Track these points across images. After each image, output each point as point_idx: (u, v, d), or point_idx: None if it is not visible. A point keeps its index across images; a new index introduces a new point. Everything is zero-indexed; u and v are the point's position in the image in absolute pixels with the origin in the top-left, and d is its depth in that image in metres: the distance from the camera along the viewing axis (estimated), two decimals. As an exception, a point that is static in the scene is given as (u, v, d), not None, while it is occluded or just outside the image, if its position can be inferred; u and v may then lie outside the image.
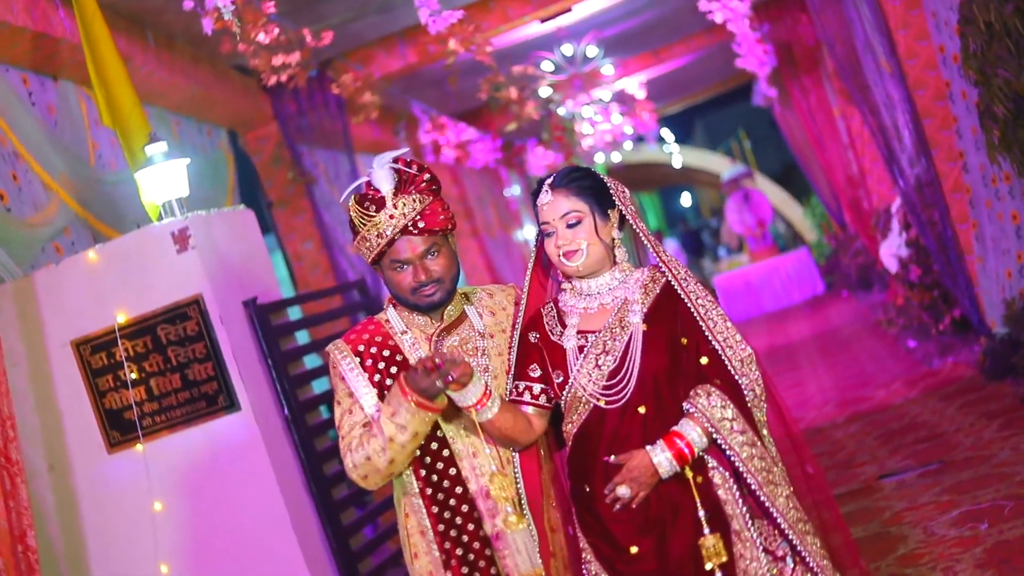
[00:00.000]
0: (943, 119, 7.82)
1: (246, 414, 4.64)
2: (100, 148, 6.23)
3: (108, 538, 4.76)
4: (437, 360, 2.82)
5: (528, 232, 16.17)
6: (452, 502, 3.05)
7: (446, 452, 3.06)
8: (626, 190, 3.05)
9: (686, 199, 32.88)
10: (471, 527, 3.05)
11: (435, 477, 3.06)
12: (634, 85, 13.11)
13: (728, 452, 2.87)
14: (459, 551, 3.04)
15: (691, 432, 2.86)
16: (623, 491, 2.87)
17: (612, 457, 2.90)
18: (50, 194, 5.52)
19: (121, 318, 4.65)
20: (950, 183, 7.85)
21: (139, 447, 4.69)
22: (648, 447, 2.87)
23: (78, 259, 4.75)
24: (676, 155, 21.58)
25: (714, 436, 2.87)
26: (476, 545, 3.05)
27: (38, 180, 5.47)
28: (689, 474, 2.89)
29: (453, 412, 3.03)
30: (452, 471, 3.06)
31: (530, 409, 3.01)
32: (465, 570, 3.04)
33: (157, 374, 4.66)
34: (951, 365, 8.41)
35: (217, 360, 4.61)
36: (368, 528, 5.60)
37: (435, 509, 3.05)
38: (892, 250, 10.12)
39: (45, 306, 4.76)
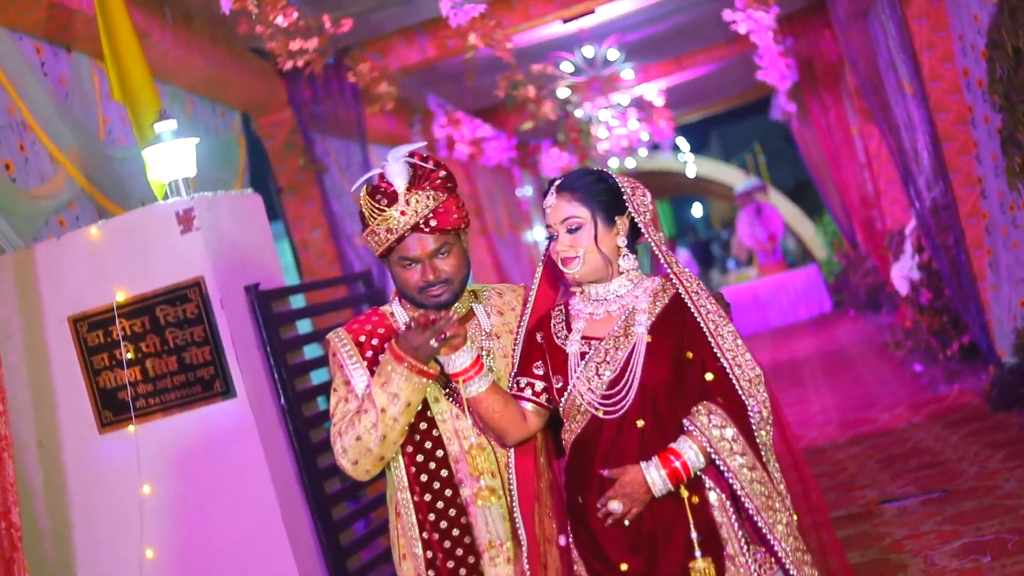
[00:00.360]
0: (964, 143, 7.76)
1: (241, 401, 4.56)
2: (111, 123, 6.16)
3: (94, 519, 4.69)
4: (431, 316, 2.77)
5: (538, 233, 16.11)
6: (440, 504, 2.98)
7: (440, 453, 2.99)
8: (646, 195, 2.95)
9: (697, 209, 32.79)
10: (455, 532, 2.97)
11: (425, 477, 2.98)
12: (653, 92, 13.02)
13: (726, 474, 2.77)
14: (440, 554, 2.96)
15: (688, 451, 2.77)
16: (615, 506, 2.78)
17: (606, 471, 2.81)
18: (57, 167, 5.44)
19: (120, 296, 4.57)
20: (967, 208, 7.78)
21: (131, 428, 4.61)
22: (642, 463, 2.78)
23: (80, 234, 4.67)
24: (690, 164, 21.48)
25: (712, 456, 2.77)
26: (459, 552, 2.97)
27: (45, 152, 5.40)
28: (684, 493, 2.80)
29: (451, 416, 2.96)
30: (444, 473, 2.98)
31: (529, 406, 2.92)
32: (451, 564, 2.95)
33: (153, 355, 4.58)
34: (957, 392, 8.34)
35: (215, 345, 4.53)
36: (360, 523, 5.52)
37: (424, 507, 2.97)
38: (903, 272, 10.04)
39: (44, 280, 4.68)
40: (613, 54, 10.94)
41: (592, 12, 9.27)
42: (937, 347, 9.21)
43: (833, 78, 13.06)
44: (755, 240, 18.02)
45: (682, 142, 20.04)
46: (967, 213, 7.78)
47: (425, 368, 2.85)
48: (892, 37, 8.20)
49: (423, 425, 2.98)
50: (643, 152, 15.49)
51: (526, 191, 16.29)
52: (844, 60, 12.06)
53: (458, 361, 2.84)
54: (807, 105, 13.78)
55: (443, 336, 2.78)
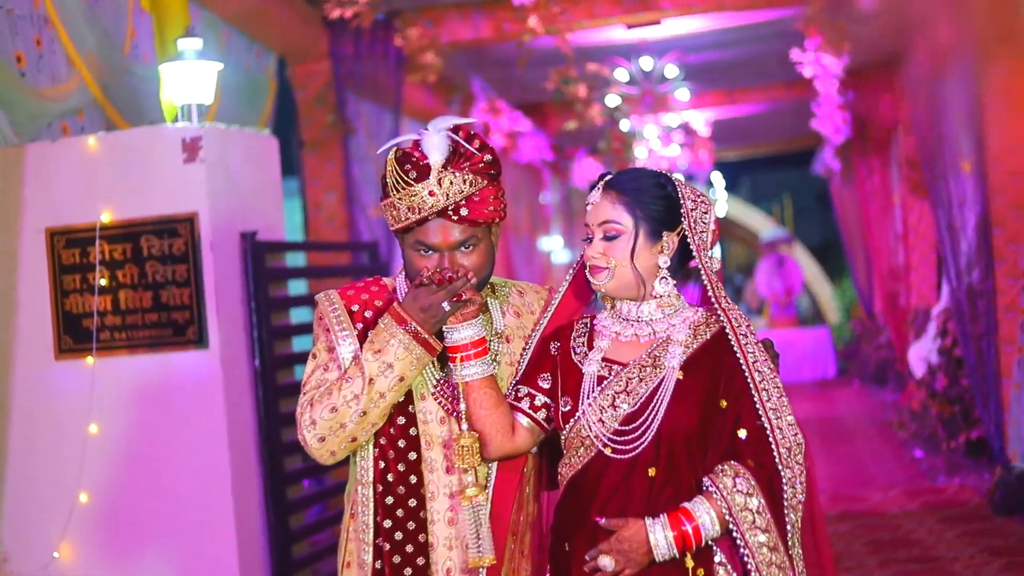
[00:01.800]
0: (1015, 231, 7.41)
1: (213, 354, 4.21)
2: (138, 37, 5.80)
3: (33, 449, 4.36)
4: (447, 273, 2.44)
5: (553, 243, 15.73)
6: (400, 512, 2.60)
7: (413, 456, 2.61)
8: (709, 213, 2.53)
9: (714, 250, 32.44)
10: (409, 549, 2.59)
11: (391, 477, 2.60)
12: (700, 120, 12.68)
13: (742, 550, 2.37)
14: (388, 569, 2.59)
15: (703, 515, 2.37)
16: (606, 563, 2.37)
17: (604, 520, 2.42)
18: (71, 70, 5.11)
19: (106, 217, 4.24)
20: (1006, 300, 7.43)
21: (90, 360, 4.27)
22: (648, 519, 2.38)
23: (76, 142, 4.33)
24: (722, 203, 21.09)
25: (730, 526, 2.37)
26: (407, 572, 2.59)
27: (63, 52, 5.07)
28: (690, 564, 2.40)
29: (434, 418, 2.58)
30: (412, 479, 2.61)
31: (524, 420, 2.53)
32: None
33: (128, 287, 4.23)
34: (957, 486, 8.00)
35: (197, 288, 4.18)
36: (315, 509, 5.17)
37: (383, 510, 2.60)
38: (922, 353, 9.71)
39: (29, 184, 4.36)
40: (671, 71, 10.59)
41: (658, 23, 8.93)
42: (943, 436, 8.87)
43: (884, 143, 12.75)
44: (771, 291, 17.70)
45: (717, 178, 19.67)
46: (1005, 305, 7.44)
47: (429, 338, 2.49)
48: (962, 109, 7.86)
49: (401, 420, 2.61)
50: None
51: (551, 196, 15.94)
52: (899, 127, 11.75)
53: (464, 332, 2.48)
54: (853, 164, 13.45)
55: (458, 299, 2.45)
